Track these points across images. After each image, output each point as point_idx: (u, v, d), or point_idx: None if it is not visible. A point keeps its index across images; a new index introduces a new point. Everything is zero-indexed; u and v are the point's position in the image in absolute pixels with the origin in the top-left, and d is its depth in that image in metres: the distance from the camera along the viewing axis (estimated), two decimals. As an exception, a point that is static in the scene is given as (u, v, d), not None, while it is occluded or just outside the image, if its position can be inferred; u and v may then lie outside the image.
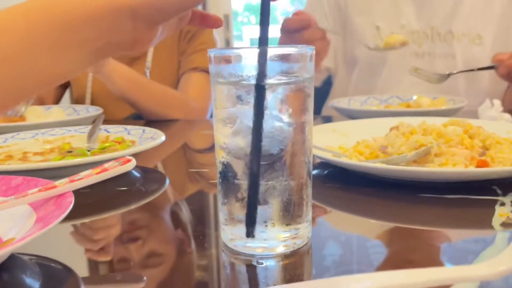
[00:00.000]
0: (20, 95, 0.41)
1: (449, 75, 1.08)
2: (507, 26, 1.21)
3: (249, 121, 0.34)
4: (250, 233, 0.36)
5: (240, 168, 0.36)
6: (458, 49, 1.20)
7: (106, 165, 0.42)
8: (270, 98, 0.34)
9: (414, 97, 1.10)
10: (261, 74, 0.33)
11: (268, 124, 0.34)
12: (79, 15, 0.39)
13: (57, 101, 1.35)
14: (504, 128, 0.70)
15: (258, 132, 0.34)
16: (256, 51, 0.33)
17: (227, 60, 0.36)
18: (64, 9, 0.39)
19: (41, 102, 1.25)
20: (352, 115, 1.01)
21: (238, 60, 0.35)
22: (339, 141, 0.69)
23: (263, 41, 0.34)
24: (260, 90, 0.34)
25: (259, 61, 0.33)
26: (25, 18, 0.39)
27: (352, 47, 1.29)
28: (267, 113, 0.34)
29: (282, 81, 0.34)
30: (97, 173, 0.41)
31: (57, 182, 0.40)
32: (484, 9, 1.21)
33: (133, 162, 0.42)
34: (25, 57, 0.38)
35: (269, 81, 0.34)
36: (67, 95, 1.40)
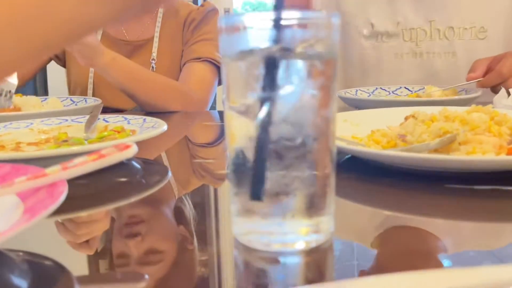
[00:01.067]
0: (46, 46, 0.37)
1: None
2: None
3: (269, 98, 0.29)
4: (256, 195, 0.30)
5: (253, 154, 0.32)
6: (460, 46, 1.13)
7: (103, 151, 0.37)
8: (293, 73, 0.30)
9: (425, 88, 1.05)
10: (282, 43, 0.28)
11: (291, 103, 0.30)
12: None
13: (30, 76, 1.28)
14: (526, 117, 0.66)
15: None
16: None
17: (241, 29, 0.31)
18: None
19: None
20: (360, 105, 0.96)
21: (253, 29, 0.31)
22: (351, 131, 0.65)
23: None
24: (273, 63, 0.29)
25: (277, 27, 0.29)
26: None
27: (346, 45, 1.22)
28: (290, 90, 0.30)
29: (309, 53, 0.30)
30: (93, 160, 0.36)
31: (48, 170, 0.36)
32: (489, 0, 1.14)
33: (134, 148, 0.38)
34: (44, 5, 0.34)
35: (291, 53, 0.30)
36: (62, 87, 1.36)
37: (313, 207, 0.33)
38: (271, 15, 0.29)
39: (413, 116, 0.64)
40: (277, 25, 0.29)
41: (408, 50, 1.15)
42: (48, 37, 0.36)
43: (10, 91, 0.83)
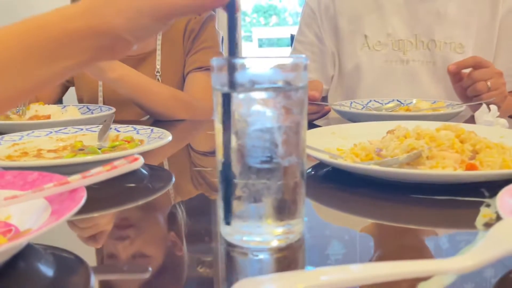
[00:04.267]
0: (12, 99, 0.50)
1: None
2: (487, 37, 1.28)
3: (245, 126, 0.37)
4: (227, 221, 0.40)
5: (237, 168, 0.39)
6: (439, 57, 1.27)
7: (115, 163, 0.45)
8: (263, 103, 0.37)
9: (414, 101, 1.12)
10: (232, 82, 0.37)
11: (263, 127, 0.38)
12: (65, 34, 0.47)
13: (54, 102, 1.38)
14: (498, 133, 0.73)
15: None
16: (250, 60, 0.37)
17: (222, 69, 0.39)
18: (55, 29, 0.47)
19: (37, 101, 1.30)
20: (353, 117, 1.04)
21: (239, 68, 0.39)
22: (337, 143, 0.72)
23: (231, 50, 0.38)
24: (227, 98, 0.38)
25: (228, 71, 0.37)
26: (25, 35, 0.47)
27: (342, 56, 1.36)
28: (261, 116, 0.37)
29: (277, 87, 0.38)
30: (107, 170, 0.44)
31: (70, 178, 0.43)
32: (466, 19, 1.27)
33: (141, 161, 0.45)
34: (23, 68, 0.47)
35: (264, 87, 0.37)
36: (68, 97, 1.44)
37: (285, 212, 0.40)
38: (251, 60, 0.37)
39: (393, 131, 0.71)
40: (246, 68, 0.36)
41: (396, 58, 1.30)
42: (19, 87, 0.48)
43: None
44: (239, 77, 0.37)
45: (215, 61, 0.39)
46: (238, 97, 0.38)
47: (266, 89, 0.38)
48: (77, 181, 0.43)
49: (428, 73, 1.28)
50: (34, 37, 0.47)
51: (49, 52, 0.47)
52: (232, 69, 0.37)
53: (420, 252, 0.43)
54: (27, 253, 0.40)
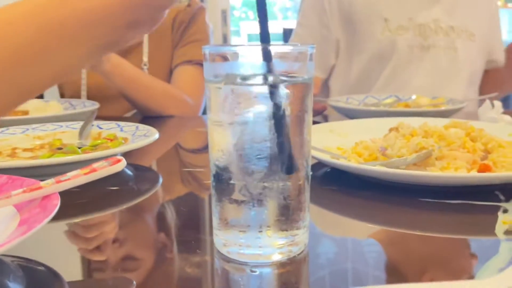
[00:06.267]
0: (32, 91, 0.42)
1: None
2: (491, 27, 1.33)
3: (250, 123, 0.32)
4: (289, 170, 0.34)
5: (235, 168, 0.35)
6: (459, 43, 1.26)
7: (95, 165, 0.40)
8: (268, 98, 0.32)
9: (413, 97, 1.08)
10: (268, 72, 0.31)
11: (265, 124, 0.33)
12: (94, 10, 0.39)
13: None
14: (505, 131, 0.69)
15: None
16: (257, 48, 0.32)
17: (225, 58, 0.34)
18: (81, 5, 0.39)
19: None
20: (349, 114, 0.99)
21: (235, 58, 0.34)
22: (337, 142, 0.68)
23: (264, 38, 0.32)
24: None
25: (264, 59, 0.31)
26: (41, 14, 0.39)
27: (359, 40, 1.29)
28: (263, 113, 0.32)
29: (282, 80, 0.33)
30: (85, 174, 0.39)
31: (42, 183, 0.38)
32: (475, 9, 1.29)
33: (123, 163, 0.40)
34: (39, 54, 0.39)
35: (267, 80, 0.32)
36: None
37: (288, 221, 0.35)
38: (249, 47, 0.32)
39: (396, 128, 0.66)
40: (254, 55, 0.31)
41: (417, 43, 1.25)
42: (35, 78, 0.40)
43: None
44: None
45: (208, 49, 0.34)
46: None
47: (287, 81, 0.32)
48: (50, 186, 0.37)
49: (450, 60, 1.25)
50: (52, 15, 0.39)
51: (73, 32, 0.39)
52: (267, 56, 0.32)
53: (435, 264, 0.38)
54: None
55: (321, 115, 1.09)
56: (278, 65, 0.33)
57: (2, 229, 0.36)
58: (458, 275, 0.36)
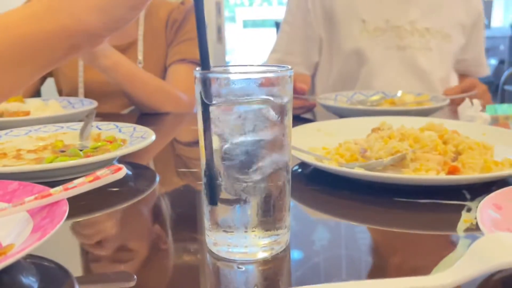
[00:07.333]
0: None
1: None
2: (463, 30, 1.37)
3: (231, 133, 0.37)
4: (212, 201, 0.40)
5: (222, 168, 0.39)
6: (433, 44, 1.31)
7: (98, 173, 0.44)
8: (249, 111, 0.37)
9: (399, 94, 1.13)
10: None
11: (248, 135, 0.37)
12: (36, 37, 0.45)
13: (32, 94, 1.35)
14: (480, 130, 0.74)
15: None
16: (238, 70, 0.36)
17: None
18: (23, 31, 0.45)
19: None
20: (337, 112, 1.04)
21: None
22: (323, 141, 0.72)
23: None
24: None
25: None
26: None
27: (339, 39, 1.34)
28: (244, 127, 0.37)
29: (264, 100, 0.37)
30: (89, 181, 0.43)
31: (52, 190, 0.42)
32: (454, 10, 1.34)
33: (124, 171, 0.45)
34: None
35: (251, 99, 0.37)
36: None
37: (270, 222, 0.40)
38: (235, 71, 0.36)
39: (378, 128, 0.71)
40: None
41: (394, 44, 1.31)
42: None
43: None
44: (215, 90, 0.37)
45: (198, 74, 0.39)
46: (216, 109, 0.37)
47: (248, 102, 0.37)
48: (59, 193, 0.42)
49: (427, 59, 1.31)
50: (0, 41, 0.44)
51: (18, 56, 0.45)
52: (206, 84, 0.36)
53: (401, 258, 0.43)
54: (8, 266, 0.39)
55: (311, 112, 1.14)
56: (261, 89, 0.38)
57: (18, 231, 0.41)
58: (419, 270, 0.41)
